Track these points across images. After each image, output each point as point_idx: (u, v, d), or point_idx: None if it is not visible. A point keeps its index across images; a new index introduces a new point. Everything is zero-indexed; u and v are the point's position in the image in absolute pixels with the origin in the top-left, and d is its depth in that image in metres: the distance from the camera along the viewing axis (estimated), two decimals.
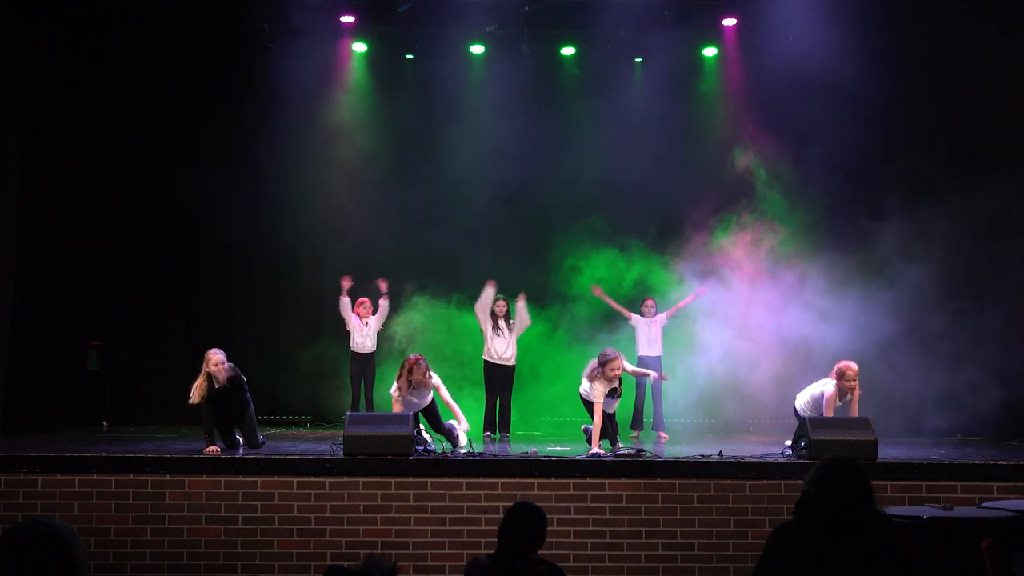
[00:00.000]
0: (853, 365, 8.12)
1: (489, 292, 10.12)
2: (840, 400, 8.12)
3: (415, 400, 7.97)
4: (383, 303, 10.66)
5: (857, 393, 8.12)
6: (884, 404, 9.56)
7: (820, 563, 3.07)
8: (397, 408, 7.81)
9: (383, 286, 10.69)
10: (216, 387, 7.78)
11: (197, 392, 7.74)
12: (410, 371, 7.83)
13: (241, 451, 7.86)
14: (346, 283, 10.54)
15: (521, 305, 10.16)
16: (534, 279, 11.68)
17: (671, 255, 11.07)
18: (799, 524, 3.18)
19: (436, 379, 8.06)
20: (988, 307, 10.20)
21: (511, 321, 10.10)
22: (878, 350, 10.05)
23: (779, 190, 11.22)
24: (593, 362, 8.01)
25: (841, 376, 8.05)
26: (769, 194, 11.24)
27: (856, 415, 8.14)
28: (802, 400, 8.38)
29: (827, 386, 8.15)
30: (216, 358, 7.77)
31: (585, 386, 8.08)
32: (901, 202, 10.23)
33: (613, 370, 7.80)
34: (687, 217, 11.23)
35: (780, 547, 3.16)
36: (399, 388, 7.86)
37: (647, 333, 10.45)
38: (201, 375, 7.78)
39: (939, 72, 10.74)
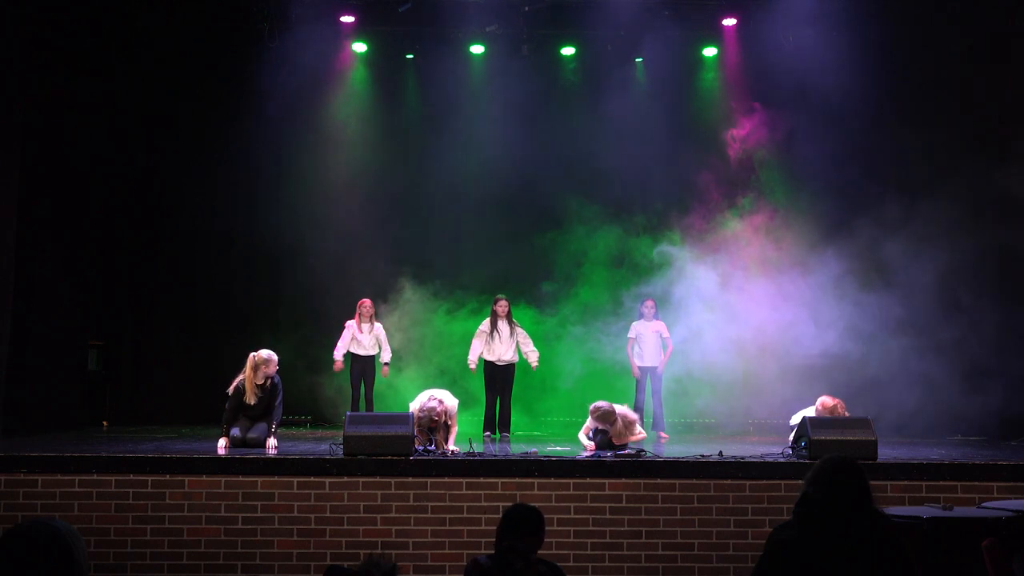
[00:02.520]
0: (828, 401, 8.13)
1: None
2: None
3: None
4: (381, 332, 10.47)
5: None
6: (884, 404, 9.56)
7: (819, 563, 3.07)
8: None
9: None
10: (261, 385, 8.15)
11: (250, 392, 8.10)
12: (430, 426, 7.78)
13: (260, 431, 8.04)
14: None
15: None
16: (535, 278, 11.70)
17: (672, 251, 11.06)
18: (799, 524, 3.18)
19: (453, 408, 8.02)
20: (989, 305, 10.19)
21: (513, 322, 10.07)
22: (878, 349, 10.06)
23: (779, 188, 11.25)
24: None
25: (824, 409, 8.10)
26: (769, 191, 11.27)
27: None
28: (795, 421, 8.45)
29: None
30: (274, 360, 8.20)
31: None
32: (902, 200, 10.24)
33: (595, 422, 8.00)
34: (688, 214, 11.26)
35: (780, 547, 3.16)
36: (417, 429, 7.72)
37: (646, 341, 10.40)
38: (249, 370, 8.11)
39: (940, 68, 10.75)
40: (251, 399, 8.10)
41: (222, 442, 7.99)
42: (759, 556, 3.23)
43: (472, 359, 10.03)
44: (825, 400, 8.15)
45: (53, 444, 8.17)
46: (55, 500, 6.89)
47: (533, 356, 10.01)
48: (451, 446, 7.81)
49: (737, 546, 6.88)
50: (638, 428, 8.14)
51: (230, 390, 8.17)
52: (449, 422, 7.94)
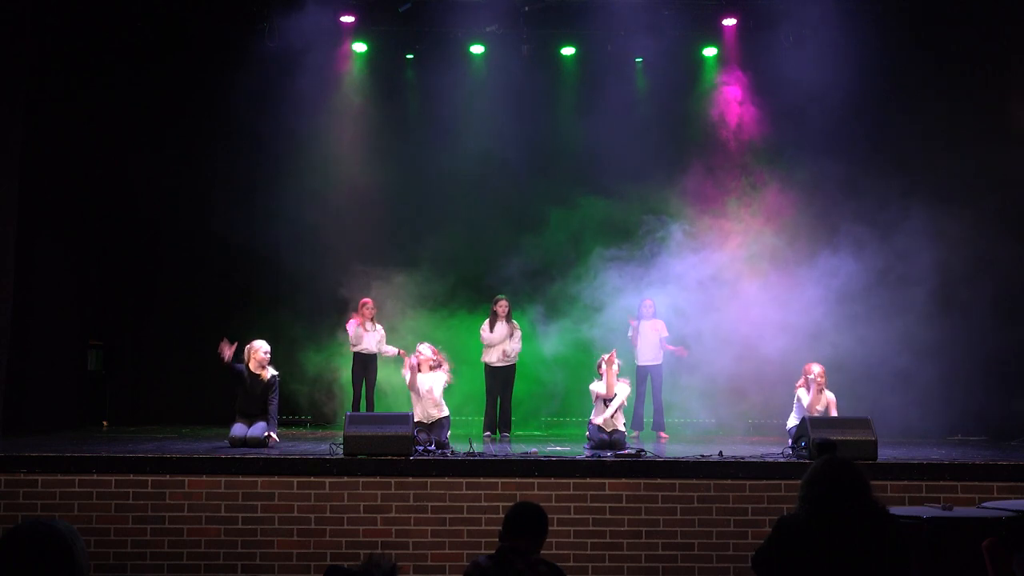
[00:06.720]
0: (815, 367, 8.37)
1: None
2: (819, 406, 8.31)
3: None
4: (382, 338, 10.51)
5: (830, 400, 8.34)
6: (884, 404, 9.56)
7: (825, 542, 3.13)
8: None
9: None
10: (252, 372, 8.38)
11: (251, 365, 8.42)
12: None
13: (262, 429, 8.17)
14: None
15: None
16: (533, 276, 11.69)
17: (671, 250, 11.06)
18: (806, 515, 3.24)
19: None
20: (990, 305, 10.18)
21: (512, 323, 10.07)
22: (878, 348, 10.06)
23: (779, 187, 11.23)
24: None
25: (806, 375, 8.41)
26: (769, 191, 11.25)
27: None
28: (791, 422, 8.51)
29: (800, 391, 8.42)
30: (257, 348, 8.44)
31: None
32: (903, 200, 10.23)
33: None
34: (689, 213, 11.25)
35: (789, 525, 3.22)
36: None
37: (645, 339, 10.41)
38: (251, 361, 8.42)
39: (940, 67, 10.73)
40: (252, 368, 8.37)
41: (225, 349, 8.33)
42: (767, 535, 3.29)
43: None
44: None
45: (53, 444, 8.17)
46: (55, 500, 6.89)
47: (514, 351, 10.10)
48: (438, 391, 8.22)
49: (737, 546, 6.88)
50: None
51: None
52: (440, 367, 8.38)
